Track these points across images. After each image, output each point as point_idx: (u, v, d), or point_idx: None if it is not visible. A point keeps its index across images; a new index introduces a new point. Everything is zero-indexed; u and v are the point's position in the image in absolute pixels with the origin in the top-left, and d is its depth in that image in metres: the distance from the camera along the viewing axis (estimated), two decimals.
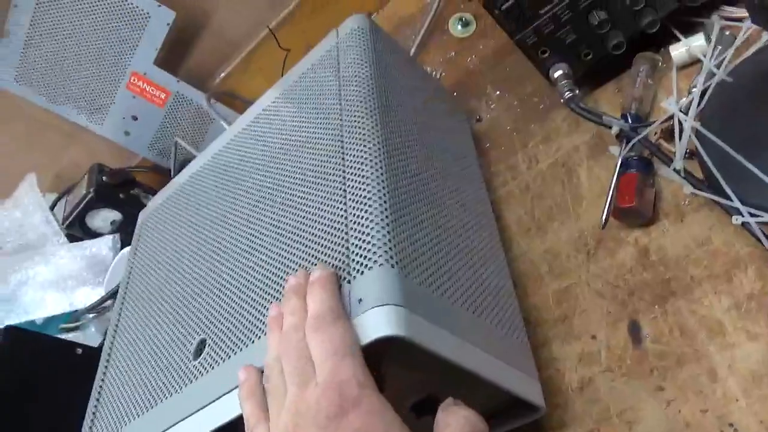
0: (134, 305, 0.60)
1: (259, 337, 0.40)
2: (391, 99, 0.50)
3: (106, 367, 0.57)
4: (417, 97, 0.55)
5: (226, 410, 0.40)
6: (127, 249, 0.99)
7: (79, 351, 0.85)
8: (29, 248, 1.09)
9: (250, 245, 0.47)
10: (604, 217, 0.48)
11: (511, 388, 0.39)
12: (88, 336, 0.99)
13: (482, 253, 0.47)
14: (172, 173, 1.00)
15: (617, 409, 0.41)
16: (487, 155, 0.62)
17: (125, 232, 1.05)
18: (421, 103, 0.55)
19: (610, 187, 0.49)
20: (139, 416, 0.48)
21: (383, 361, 0.37)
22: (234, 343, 0.43)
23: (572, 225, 0.51)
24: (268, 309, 0.41)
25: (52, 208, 1.13)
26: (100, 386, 0.56)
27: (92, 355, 0.86)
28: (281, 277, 0.42)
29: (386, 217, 0.38)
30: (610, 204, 0.48)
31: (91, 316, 1.01)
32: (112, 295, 0.94)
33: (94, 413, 0.54)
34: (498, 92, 0.66)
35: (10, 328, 0.80)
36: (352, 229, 0.39)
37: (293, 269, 0.41)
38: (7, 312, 1.02)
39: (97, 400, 0.55)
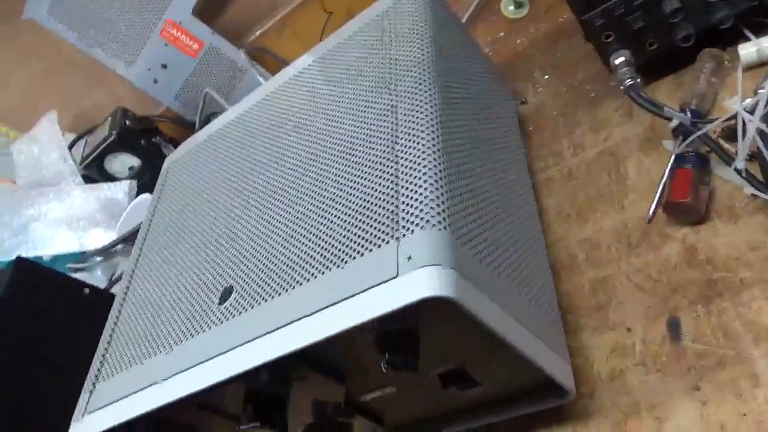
0: (155, 249, 0.59)
1: (293, 287, 0.39)
2: (446, 65, 0.48)
3: (121, 305, 0.56)
4: (469, 69, 0.54)
5: (250, 357, 0.39)
6: (143, 196, 0.98)
7: (87, 291, 0.85)
8: (44, 185, 1.07)
9: (289, 197, 0.46)
10: (652, 210, 0.47)
11: (546, 368, 0.38)
12: (94, 278, 0.98)
13: (524, 230, 0.46)
14: (197, 125, 0.99)
15: (648, 403, 0.40)
16: (530, 139, 0.61)
17: (142, 179, 1.04)
18: (472, 75, 0.54)
19: (661, 181, 0.48)
20: (155, 355, 0.47)
21: (421, 322, 0.36)
22: (264, 291, 0.41)
23: (616, 216, 0.50)
24: (303, 261, 0.40)
25: (70, 147, 1.12)
26: (115, 323, 0.55)
27: (99, 296, 0.86)
28: (320, 230, 0.41)
29: (441, 178, 0.37)
30: (660, 198, 0.47)
31: (99, 258, 1.00)
32: (124, 239, 0.93)
33: (106, 349, 0.53)
34: (546, 77, 0.65)
35: (21, 260, 0.79)
36: (403, 187, 0.38)
37: (335, 223, 0.40)
38: (17, 245, 1.02)
39: (111, 336, 0.54)
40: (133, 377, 0.47)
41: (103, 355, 0.52)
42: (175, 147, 1.07)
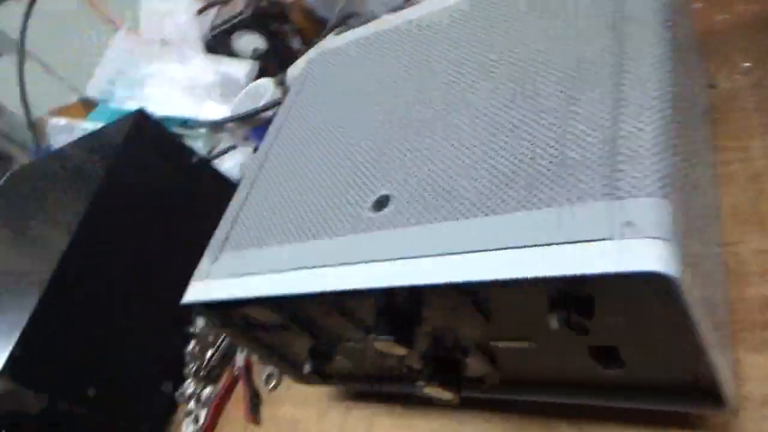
0: (296, 135, 0.57)
1: (470, 217, 0.37)
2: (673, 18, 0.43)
3: (254, 180, 0.55)
4: (686, 33, 0.48)
5: (405, 274, 0.37)
6: (262, 80, 0.96)
7: (195, 159, 0.85)
8: (167, 45, 1.07)
9: (482, 117, 0.42)
10: None
11: (720, 370, 0.35)
12: (194, 148, 0.98)
13: (713, 221, 0.42)
14: (332, 22, 0.96)
15: None
16: (713, 127, 0.56)
17: (263, 63, 1.02)
18: (686, 41, 0.48)
19: None
20: (289, 243, 0.46)
21: (605, 294, 0.33)
22: (432, 212, 0.39)
23: None
24: (490, 191, 0.37)
25: (198, 13, 1.10)
26: (246, 195, 0.54)
27: (203, 167, 0.86)
28: (516, 164, 0.38)
29: (672, 146, 0.33)
30: None
31: (202, 130, 1.01)
32: (237, 119, 0.93)
33: (234, 220, 0.52)
34: (747, 64, 0.58)
35: (142, 113, 0.79)
36: (622, 145, 0.34)
37: (536, 160, 0.37)
38: (129, 97, 1.03)
39: (240, 208, 0.53)
40: (264, 258, 0.47)
41: (231, 226, 0.52)
42: (303, 40, 1.05)
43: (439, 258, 0.36)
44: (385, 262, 0.39)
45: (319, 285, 0.41)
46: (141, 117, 0.78)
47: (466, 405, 0.49)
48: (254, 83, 0.96)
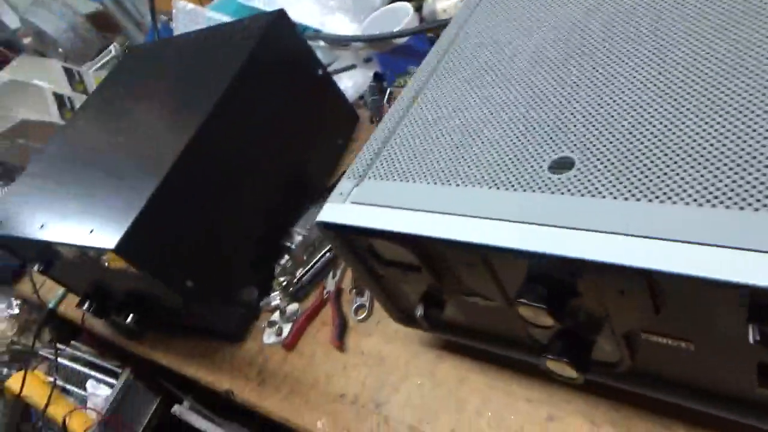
0: (460, 72, 0.53)
1: (674, 203, 0.33)
2: None
3: (407, 108, 0.52)
4: None
5: (580, 245, 0.35)
6: (400, 3, 0.92)
7: (320, 72, 0.83)
8: None
9: (705, 90, 0.38)
10: None
11: None
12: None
13: None
14: None
15: None
16: None
17: None
18: None
19: None
20: (448, 185, 0.43)
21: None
22: (624, 186, 0.36)
23: None
24: (701, 177, 0.34)
25: None
26: (398, 121, 0.51)
27: (327, 80, 0.84)
28: (750, 149, 0.34)
29: None
30: None
31: (322, 43, 0.98)
32: (367, 39, 0.89)
33: (382, 145, 0.50)
34: None
35: (283, 13, 0.77)
36: None
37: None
38: None
39: (390, 133, 0.50)
40: (414, 194, 0.44)
41: (378, 153, 0.50)
42: None
43: (634, 239, 0.33)
44: (564, 230, 0.36)
45: (486, 238, 0.38)
46: (280, 17, 0.75)
47: (571, 384, 0.47)
48: (391, 5, 0.92)
